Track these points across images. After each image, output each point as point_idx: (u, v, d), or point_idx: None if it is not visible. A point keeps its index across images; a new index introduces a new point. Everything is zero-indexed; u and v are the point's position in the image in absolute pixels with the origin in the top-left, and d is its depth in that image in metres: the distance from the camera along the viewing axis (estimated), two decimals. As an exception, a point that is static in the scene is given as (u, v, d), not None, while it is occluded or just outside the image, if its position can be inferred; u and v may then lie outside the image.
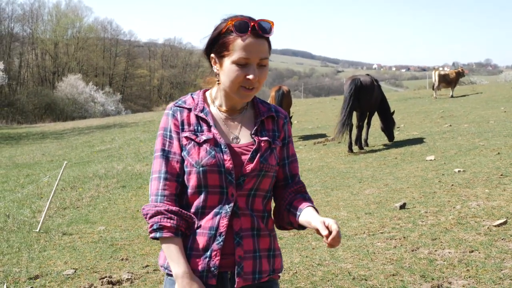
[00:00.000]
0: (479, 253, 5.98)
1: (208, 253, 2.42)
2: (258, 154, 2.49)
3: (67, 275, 6.77)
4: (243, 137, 2.55)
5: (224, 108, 2.57)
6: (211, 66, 2.57)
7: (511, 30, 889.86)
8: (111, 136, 27.77)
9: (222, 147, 2.45)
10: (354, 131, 15.61)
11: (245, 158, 2.47)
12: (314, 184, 11.16)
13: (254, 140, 2.53)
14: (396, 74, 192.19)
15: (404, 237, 6.81)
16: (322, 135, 19.72)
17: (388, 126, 16.08)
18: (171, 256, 2.41)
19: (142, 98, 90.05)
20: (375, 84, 15.73)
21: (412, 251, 6.29)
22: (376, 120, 16.91)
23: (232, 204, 2.43)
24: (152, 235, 2.42)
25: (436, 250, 6.22)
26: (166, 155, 2.48)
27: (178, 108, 2.54)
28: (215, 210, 2.43)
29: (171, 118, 2.52)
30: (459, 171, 10.31)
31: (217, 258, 2.41)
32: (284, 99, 18.86)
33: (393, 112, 16.29)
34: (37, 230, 9.25)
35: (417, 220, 7.52)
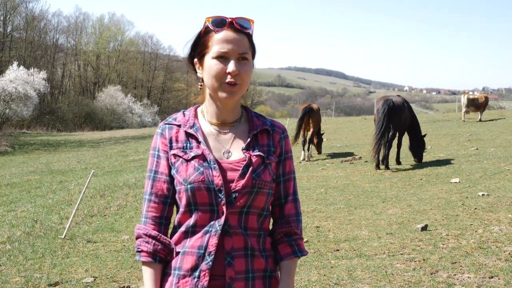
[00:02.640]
0: (498, 279, 5.73)
1: (197, 273, 2.25)
2: (250, 170, 2.31)
3: (87, 283, 6.66)
4: (235, 152, 2.37)
5: (215, 121, 2.41)
6: (196, 73, 2.45)
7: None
8: (145, 146, 27.86)
9: (211, 163, 2.28)
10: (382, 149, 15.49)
11: (236, 174, 2.30)
12: (338, 202, 10.93)
13: (246, 155, 2.36)
14: (427, 96, 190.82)
15: (424, 259, 6.57)
16: (350, 154, 19.48)
17: (417, 147, 15.96)
18: (145, 281, 2.30)
19: (178, 111, 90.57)
20: (405, 105, 15.64)
21: (431, 274, 6.05)
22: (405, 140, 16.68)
23: (222, 222, 2.26)
24: (136, 257, 2.35)
25: (455, 274, 5.98)
26: (154, 175, 2.36)
27: (167, 125, 2.41)
28: (205, 228, 2.27)
29: (159, 137, 2.39)
30: (483, 194, 10.03)
31: (205, 279, 2.23)
32: (313, 116, 18.77)
33: (425, 135, 16.24)
34: (63, 237, 9.19)
35: (438, 242, 7.27)
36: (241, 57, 2.28)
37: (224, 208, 2.25)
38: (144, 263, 2.30)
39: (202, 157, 2.29)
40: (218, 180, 2.25)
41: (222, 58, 2.26)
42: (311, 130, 19.07)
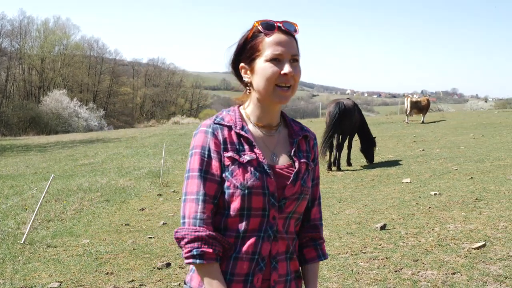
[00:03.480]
0: (461, 275, 5.88)
1: (250, 278, 2.24)
2: (299, 177, 2.32)
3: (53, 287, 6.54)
4: (281, 156, 2.36)
5: (261, 123, 2.37)
6: (240, 80, 2.41)
7: (475, 61, 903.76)
8: (94, 150, 27.42)
9: (266, 168, 2.26)
10: (333, 152, 15.74)
11: (286, 180, 2.29)
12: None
13: (293, 161, 2.35)
14: (368, 99, 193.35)
15: (386, 258, 6.69)
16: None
17: (368, 148, 16.29)
18: (212, 284, 2.20)
19: (124, 115, 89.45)
20: (356, 108, 15.97)
21: (396, 271, 6.16)
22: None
23: (275, 228, 2.26)
24: (191, 261, 2.19)
25: (419, 272, 6.10)
26: (204, 175, 2.24)
27: (218, 125, 2.31)
28: (257, 233, 2.25)
29: (210, 136, 2.27)
30: (435, 194, 10.26)
31: (258, 283, 2.24)
32: None
33: (375, 137, 16.62)
34: (22, 242, 8.98)
35: (398, 241, 7.41)
36: (293, 59, 2.26)
37: (276, 213, 2.25)
38: (207, 265, 2.19)
39: (256, 162, 2.25)
40: (272, 186, 2.24)
41: (276, 60, 2.23)
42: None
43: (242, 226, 2.24)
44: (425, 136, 22.45)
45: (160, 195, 13.74)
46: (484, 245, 6.79)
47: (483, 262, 6.23)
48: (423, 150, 17.99)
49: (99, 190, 14.72)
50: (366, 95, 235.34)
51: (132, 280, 6.74)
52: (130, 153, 24.77)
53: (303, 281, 2.48)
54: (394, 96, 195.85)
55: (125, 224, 10.40)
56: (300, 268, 2.48)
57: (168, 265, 7.29)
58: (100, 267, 7.43)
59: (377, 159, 16.78)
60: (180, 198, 12.87)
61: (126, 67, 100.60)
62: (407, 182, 12.16)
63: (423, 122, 29.24)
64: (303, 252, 2.48)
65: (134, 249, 8.33)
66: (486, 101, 73.35)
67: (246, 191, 2.20)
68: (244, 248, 2.24)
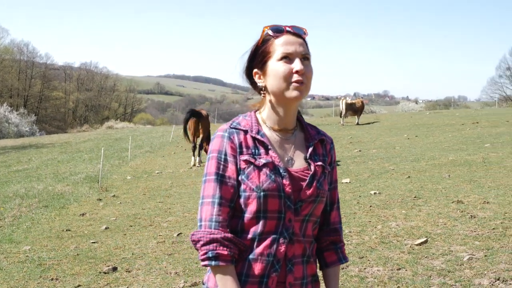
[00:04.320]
0: (406, 270, 6.02)
1: (265, 280, 2.24)
2: (315, 180, 2.33)
3: (-3, 295, 6.36)
4: (297, 160, 2.37)
5: (277, 127, 2.39)
6: (254, 86, 2.44)
7: (406, 64, 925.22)
8: (28, 156, 26.77)
9: (281, 171, 2.27)
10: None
11: (303, 183, 2.30)
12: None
13: (309, 164, 2.36)
14: (302, 102, 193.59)
15: (332, 256, 6.76)
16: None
17: None
18: (227, 285, 2.20)
19: (57, 120, 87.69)
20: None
21: (343, 269, 6.25)
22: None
23: (291, 231, 2.26)
24: (206, 262, 2.20)
25: (365, 268, 6.21)
26: (221, 179, 2.26)
27: (234, 130, 2.33)
28: (273, 236, 2.25)
29: (227, 140, 2.30)
30: (375, 193, 10.45)
31: (273, 285, 2.24)
32: (202, 121, 18.91)
33: None
34: (-40, 250, 8.69)
35: (342, 239, 7.50)
36: (303, 57, 2.28)
37: (292, 216, 2.26)
38: (222, 267, 2.20)
39: (272, 165, 2.26)
40: (288, 188, 2.24)
41: (287, 59, 2.26)
42: (201, 135, 19.16)
43: (258, 228, 2.25)
44: (361, 137, 22.86)
45: (100, 199, 13.51)
46: (426, 241, 6.96)
47: (426, 257, 6.39)
48: (360, 150, 18.31)
49: (36, 196, 14.37)
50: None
51: (79, 286, 6.61)
52: (66, 158, 24.30)
53: (322, 285, 2.49)
54: (327, 98, 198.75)
55: (66, 230, 10.18)
56: (321, 272, 2.51)
57: (114, 269, 7.19)
58: (44, 273, 7.26)
59: (315, 160, 16.92)
60: (120, 203, 12.75)
61: (58, 71, 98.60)
62: (346, 182, 12.35)
63: (358, 124, 29.79)
64: (323, 256, 2.50)
65: (77, 254, 8.16)
66: (416, 103, 75.15)
67: (262, 193, 2.21)
68: (260, 250, 2.25)
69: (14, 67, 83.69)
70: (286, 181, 2.25)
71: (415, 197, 9.64)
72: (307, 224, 2.34)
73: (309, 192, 2.29)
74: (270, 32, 2.32)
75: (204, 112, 19.47)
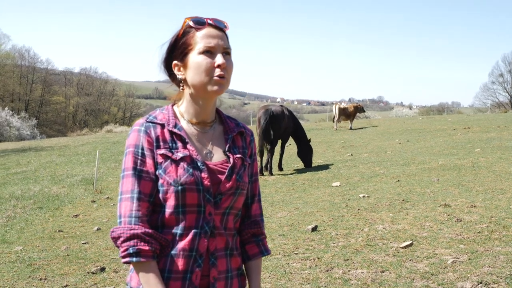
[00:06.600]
0: (390, 273, 5.95)
1: (189, 275, 2.18)
2: (235, 172, 2.28)
3: (-17, 296, 6.29)
4: (216, 153, 2.32)
5: (195, 120, 2.33)
6: (173, 79, 2.36)
7: (400, 70, 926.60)
8: (27, 159, 26.64)
9: (199, 165, 2.22)
10: (265, 156, 15.81)
11: (221, 176, 2.25)
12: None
13: (228, 157, 2.32)
14: (298, 107, 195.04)
15: (318, 258, 6.71)
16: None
17: (304, 153, 16.43)
18: (149, 282, 2.13)
19: (57, 124, 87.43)
20: (285, 113, 16.03)
21: (327, 271, 6.18)
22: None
23: (211, 224, 2.21)
24: (127, 259, 2.12)
25: (349, 270, 6.14)
26: (138, 174, 2.19)
27: (150, 124, 2.25)
28: (194, 230, 2.19)
29: (143, 134, 2.22)
30: (363, 196, 10.40)
31: (197, 280, 2.18)
32: None
33: (309, 140, 16.68)
34: (-50, 250, 8.61)
35: (329, 241, 7.45)
36: (225, 52, 2.23)
37: (212, 209, 2.20)
38: (144, 263, 2.13)
39: (190, 158, 2.21)
40: (207, 181, 2.19)
41: (209, 53, 2.20)
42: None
43: (179, 223, 2.19)
44: (353, 141, 22.81)
45: (94, 201, 13.44)
46: (411, 244, 6.90)
47: (410, 260, 6.33)
48: (351, 155, 18.26)
49: (32, 197, 14.30)
50: (296, 103, 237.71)
51: (66, 285, 6.53)
52: (63, 161, 24.18)
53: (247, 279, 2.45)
54: (323, 104, 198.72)
55: (59, 231, 10.11)
56: (244, 265, 2.44)
57: (102, 269, 7.12)
58: (33, 273, 7.19)
59: (307, 164, 16.92)
60: (114, 204, 12.67)
61: (58, 76, 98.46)
62: (336, 186, 12.29)
63: (351, 129, 29.76)
64: (245, 249, 2.44)
65: (68, 255, 8.09)
66: (410, 108, 75.27)
67: (180, 187, 2.15)
68: (181, 245, 2.18)
69: (15, 72, 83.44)
70: (204, 174, 2.20)
71: (403, 200, 9.58)
72: (228, 217, 2.28)
73: (228, 184, 2.24)
74: (192, 24, 2.25)
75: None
